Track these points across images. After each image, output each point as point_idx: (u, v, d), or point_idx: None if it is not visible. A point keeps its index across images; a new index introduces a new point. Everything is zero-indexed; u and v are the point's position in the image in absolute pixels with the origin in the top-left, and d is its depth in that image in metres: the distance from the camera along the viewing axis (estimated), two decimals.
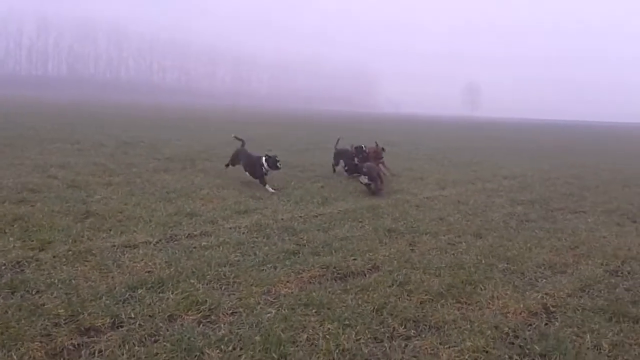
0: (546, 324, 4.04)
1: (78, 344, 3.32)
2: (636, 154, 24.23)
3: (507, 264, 5.45)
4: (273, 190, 8.84)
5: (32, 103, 48.80)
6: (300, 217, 7.13)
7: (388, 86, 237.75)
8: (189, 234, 5.93)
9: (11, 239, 5.35)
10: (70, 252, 5.00)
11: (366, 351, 3.40)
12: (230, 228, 6.33)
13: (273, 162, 9.25)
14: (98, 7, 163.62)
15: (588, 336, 3.79)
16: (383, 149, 11.60)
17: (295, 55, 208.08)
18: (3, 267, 4.56)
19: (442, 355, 3.42)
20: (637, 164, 18.07)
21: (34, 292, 4.05)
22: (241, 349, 3.30)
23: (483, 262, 5.45)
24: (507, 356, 3.46)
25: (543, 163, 17.08)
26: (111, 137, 17.59)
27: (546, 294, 4.63)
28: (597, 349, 3.62)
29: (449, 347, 3.53)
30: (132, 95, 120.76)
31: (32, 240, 5.33)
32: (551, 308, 4.36)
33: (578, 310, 4.32)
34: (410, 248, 5.92)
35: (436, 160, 16.07)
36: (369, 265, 5.20)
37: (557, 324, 4.02)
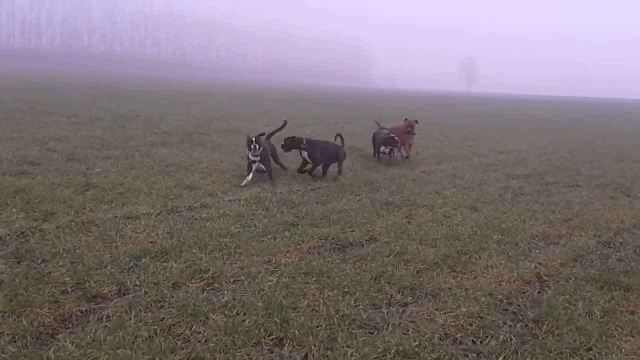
0: (539, 292, 4.16)
1: (85, 310, 3.42)
2: (631, 130, 24.33)
3: (502, 235, 5.57)
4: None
5: (26, 76, 48.42)
6: (298, 190, 7.22)
7: (383, 61, 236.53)
8: (189, 206, 6.02)
9: (14, 210, 5.43)
10: (73, 223, 5.09)
11: (365, 316, 3.51)
12: (229, 201, 6.42)
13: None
14: None
15: (580, 303, 3.92)
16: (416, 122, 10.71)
17: (290, 28, 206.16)
18: (7, 237, 4.64)
19: (438, 320, 3.54)
20: (631, 140, 18.17)
21: (39, 261, 4.14)
22: (244, 314, 3.41)
23: (478, 233, 5.57)
24: (500, 321, 3.59)
25: (539, 138, 17.18)
26: (107, 111, 17.55)
27: (539, 263, 4.75)
28: (589, 315, 3.75)
29: (445, 313, 3.65)
30: (126, 69, 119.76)
31: (35, 212, 5.41)
32: (544, 277, 4.48)
33: (570, 279, 4.44)
34: (407, 220, 6.02)
35: (432, 136, 16.12)
36: (367, 237, 5.31)
37: (549, 291, 4.15)
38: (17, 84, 34.28)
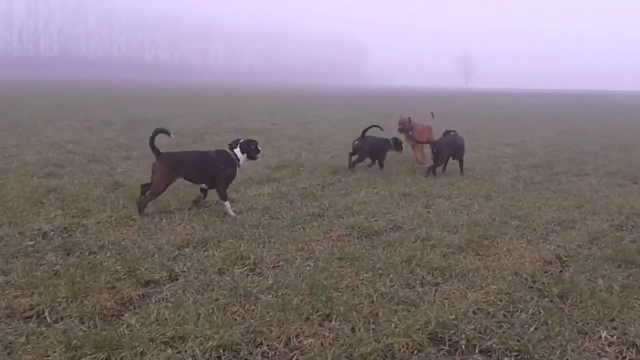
0: (561, 271, 4.41)
1: (143, 294, 3.67)
2: (633, 121, 24.57)
3: (519, 221, 5.81)
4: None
5: (28, 84, 48.68)
6: (318, 184, 7.46)
7: (379, 59, 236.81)
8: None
9: (51, 208, 5.68)
10: (112, 218, 5.34)
11: (402, 295, 3.76)
12: (254, 195, 6.67)
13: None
14: None
15: (600, 280, 4.15)
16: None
17: (287, 29, 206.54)
18: (52, 233, 4.89)
19: (470, 297, 3.78)
20: (634, 130, 18.42)
21: (87, 253, 4.39)
22: (291, 294, 3.65)
23: (497, 220, 5.81)
24: (528, 297, 3.83)
25: (542, 131, 17.42)
26: (116, 115, 17.82)
27: (558, 246, 4.99)
28: (609, 291, 3.98)
29: (475, 291, 3.89)
30: (124, 74, 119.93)
31: (72, 209, 5.66)
32: (564, 257, 4.73)
33: (589, 259, 4.69)
34: (427, 210, 6.27)
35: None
36: (391, 225, 5.56)
37: (570, 270, 4.39)
38: (20, 91, 34.56)
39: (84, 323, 3.25)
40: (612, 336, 3.32)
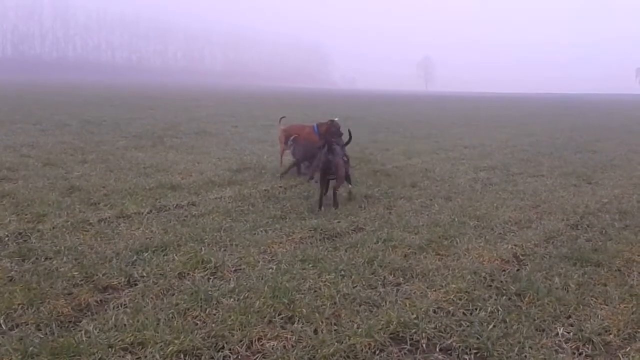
0: (518, 270, 4.50)
1: (100, 300, 3.59)
2: (586, 123, 25.33)
3: (477, 221, 5.92)
4: None
5: None
6: (280, 187, 7.44)
7: (342, 64, 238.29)
8: (176, 205, 6.18)
9: (5, 213, 5.51)
10: (68, 223, 5.21)
11: (363, 295, 3.78)
12: (215, 198, 6.61)
13: None
14: None
15: (556, 278, 4.26)
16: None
17: (249, 31, 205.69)
18: (6, 238, 4.75)
19: (431, 296, 3.84)
20: (587, 132, 18.99)
21: (43, 259, 4.28)
22: (253, 297, 3.63)
23: (456, 220, 5.91)
24: (486, 295, 3.90)
25: (499, 133, 17.80)
26: (72, 117, 17.42)
27: (515, 245, 5.11)
28: (565, 289, 4.09)
29: (435, 290, 3.94)
30: (80, 75, 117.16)
31: (26, 214, 5.51)
32: (521, 256, 4.84)
33: (545, 257, 4.81)
34: (388, 211, 6.33)
35: (398, 133, 16.58)
36: (353, 227, 5.59)
37: (527, 269, 4.49)
38: None
39: (40, 330, 3.16)
40: (568, 333, 3.41)
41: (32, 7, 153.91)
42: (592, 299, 3.93)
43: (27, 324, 3.20)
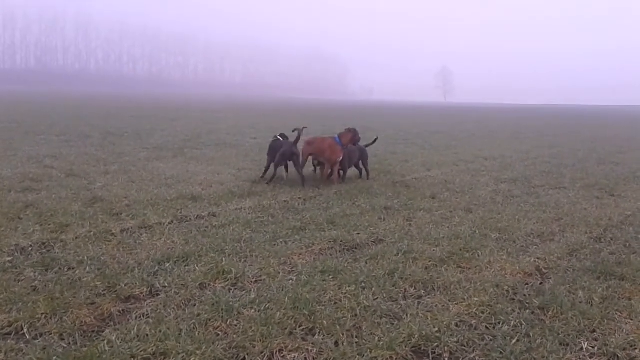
0: (541, 283, 4.45)
1: (123, 310, 3.61)
2: (608, 135, 25.03)
3: (499, 233, 5.87)
4: None
5: (4, 97, 47.99)
6: (299, 198, 7.45)
7: (360, 75, 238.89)
8: (197, 215, 6.22)
9: (29, 223, 5.58)
10: (91, 234, 5.26)
11: (385, 308, 3.76)
12: (235, 209, 6.63)
13: None
14: None
15: (580, 292, 4.20)
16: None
17: (268, 44, 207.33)
18: (30, 248, 4.80)
19: (452, 309, 3.80)
20: (609, 144, 18.76)
21: (66, 269, 4.31)
22: (273, 308, 3.63)
23: (477, 232, 5.86)
24: (509, 309, 3.85)
25: (520, 144, 17.68)
26: (94, 128, 17.66)
27: (538, 258, 5.04)
28: (589, 303, 4.03)
29: (457, 303, 3.91)
30: (102, 87, 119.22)
31: (50, 224, 5.57)
32: (544, 270, 4.78)
33: (569, 271, 4.74)
34: (408, 223, 6.30)
35: (417, 144, 16.53)
36: (373, 238, 5.56)
37: (551, 282, 4.43)
38: None
39: (63, 339, 3.19)
40: (593, 347, 3.36)
41: (55, 21, 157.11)
42: (616, 313, 3.86)
43: (51, 334, 3.23)
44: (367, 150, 9.50)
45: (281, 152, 8.44)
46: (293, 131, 8.94)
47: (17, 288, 3.85)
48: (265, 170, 8.81)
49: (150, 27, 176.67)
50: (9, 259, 4.48)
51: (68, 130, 16.71)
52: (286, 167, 9.07)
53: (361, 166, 9.36)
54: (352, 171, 9.34)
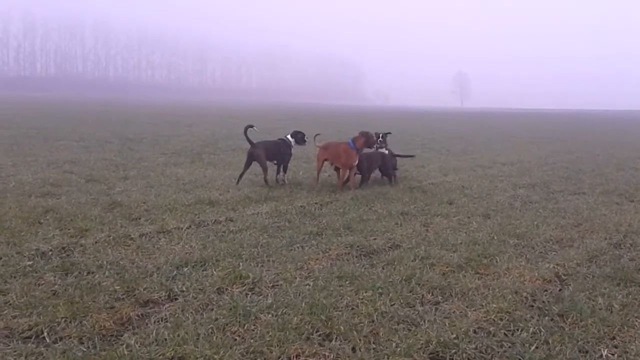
0: (560, 290, 4.40)
1: (142, 314, 3.64)
2: (626, 140, 24.73)
3: (518, 239, 5.82)
4: None
5: (24, 103, 48.74)
6: (316, 203, 7.46)
7: (376, 80, 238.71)
8: (215, 220, 6.26)
9: (49, 228, 5.66)
10: (110, 238, 5.32)
11: (402, 314, 3.74)
12: (252, 214, 6.66)
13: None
14: (84, 5, 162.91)
15: (600, 299, 4.15)
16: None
17: (284, 51, 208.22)
18: (50, 253, 4.86)
19: (471, 316, 3.77)
20: (628, 149, 18.53)
21: (86, 273, 4.36)
22: (290, 313, 3.63)
23: (495, 238, 5.82)
24: (528, 316, 3.82)
25: (538, 150, 17.53)
26: (113, 134, 17.85)
27: (557, 264, 4.99)
28: (609, 309, 3.98)
29: (475, 310, 3.88)
30: (121, 94, 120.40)
31: (69, 229, 5.64)
32: (563, 276, 4.72)
33: (588, 277, 4.68)
34: (425, 228, 6.27)
35: (434, 150, 16.47)
36: (389, 244, 5.55)
37: (570, 289, 4.38)
38: (17, 110, 34.62)
39: (83, 343, 3.22)
40: (613, 355, 3.32)
41: (75, 28, 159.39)
42: (637, 320, 3.81)
43: (70, 338, 3.26)
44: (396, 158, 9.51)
45: (248, 152, 8.86)
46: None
47: (38, 292, 3.91)
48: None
49: (168, 34, 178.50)
50: (30, 263, 4.54)
51: (87, 136, 16.92)
52: (278, 169, 9.18)
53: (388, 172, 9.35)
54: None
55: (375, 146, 9.10)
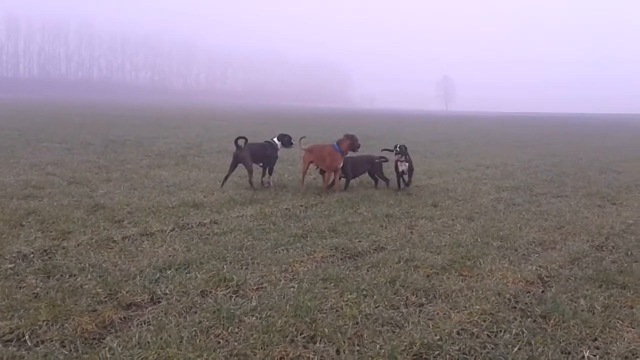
0: (543, 291, 4.44)
1: (124, 317, 3.61)
2: (608, 144, 25.04)
3: (501, 242, 5.86)
4: None
5: (7, 105, 48.10)
6: (301, 205, 7.46)
7: (362, 84, 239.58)
8: (199, 223, 6.23)
9: (31, 230, 5.59)
10: (92, 241, 5.27)
11: (386, 315, 3.75)
12: (237, 217, 6.63)
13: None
14: (68, 6, 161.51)
15: (582, 300, 4.20)
16: None
17: (270, 54, 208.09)
18: (32, 255, 4.81)
19: (454, 317, 3.79)
20: (612, 153, 18.76)
21: (68, 276, 4.32)
22: (275, 316, 3.62)
23: (479, 240, 5.86)
24: (511, 317, 3.85)
25: (521, 153, 17.69)
26: (96, 136, 17.70)
27: (539, 266, 5.04)
28: (591, 311, 4.02)
29: (459, 311, 3.90)
30: (105, 95, 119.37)
31: (52, 231, 5.59)
32: (545, 278, 4.77)
33: (570, 279, 4.73)
34: (410, 230, 6.30)
35: (419, 152, 16.51)
36: (374, 246, 5.56)
37: (552, 290, 4.42)
38: None
39: (65, 347, 3.19)
40: (594, 356, 3.36)
41: (58, 30, 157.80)
42: (618, 322, 3.86)
43: (52, 341, 3.23)
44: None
45: (233, 154, 8.86)
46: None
47: (19, 295, 3.86)
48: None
49: (152, 36, 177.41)
50: (11, 265, 4.49)
51: (70, 138, 16.75)
52: (264, 171, 9.19)
53: (376, 176, 9.37)
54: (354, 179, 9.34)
55: (394, 158, 9.02)
